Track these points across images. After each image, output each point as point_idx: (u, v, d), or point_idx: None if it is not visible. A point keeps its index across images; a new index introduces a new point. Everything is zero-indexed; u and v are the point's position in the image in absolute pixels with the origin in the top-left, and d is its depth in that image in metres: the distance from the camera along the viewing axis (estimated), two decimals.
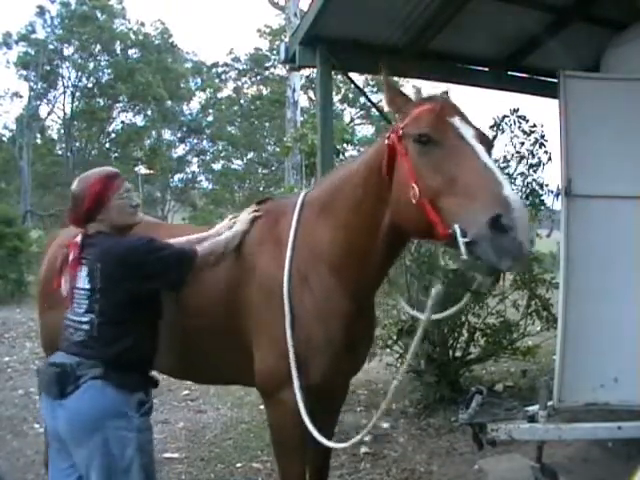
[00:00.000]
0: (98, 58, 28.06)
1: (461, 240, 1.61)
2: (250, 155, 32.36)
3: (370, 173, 2.06)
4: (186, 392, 5.42)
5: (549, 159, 4.82)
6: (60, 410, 1.94)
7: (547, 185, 4.89)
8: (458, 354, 4.93)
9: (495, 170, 1.71)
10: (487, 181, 1.67)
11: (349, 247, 2.14)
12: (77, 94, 28.16)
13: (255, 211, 2.42)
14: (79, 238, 2.08)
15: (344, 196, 2.17)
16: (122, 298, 1.98)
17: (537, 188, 4.89)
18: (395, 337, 4.80)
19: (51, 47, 26.78)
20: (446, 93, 2.13)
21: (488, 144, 1.85)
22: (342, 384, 2.55)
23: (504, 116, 4.84)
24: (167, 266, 2.02)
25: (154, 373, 2.21)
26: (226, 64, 31.23)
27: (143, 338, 2.05)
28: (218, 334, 2.36)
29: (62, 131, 28.67)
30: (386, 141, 1.96)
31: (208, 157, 33.35)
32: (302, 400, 2.08)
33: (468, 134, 1.81)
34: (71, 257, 2.05)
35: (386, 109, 2.11)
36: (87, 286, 2.00)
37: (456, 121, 1.84)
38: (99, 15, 26.88)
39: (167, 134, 32.18)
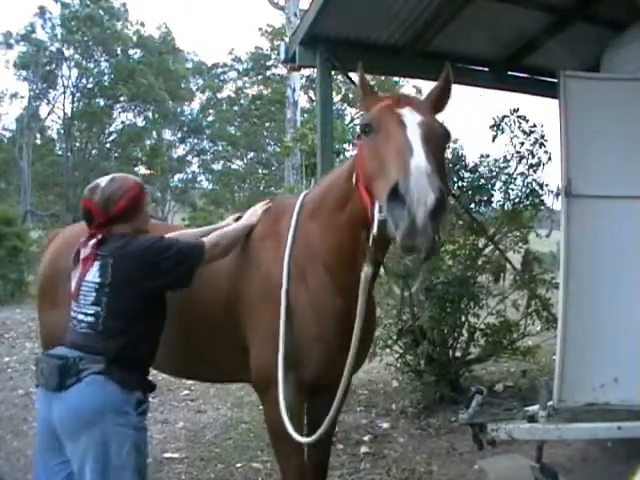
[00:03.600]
0: (99, 59, 28.04)
1: (376, 217, 1.60)
2: (250, 155, 32.37)
3: (350, 176, 2.09)
4: (186, 392, 5.41)
5: (549, 159, 4.83)
6: (57, 402, 1.94)
7: (547, 185, 4.90)
8: (458, 354, 4.94)
9: (413, 144, 1.65)
10: (397, 154, 1.65)
11: (338, 246, 2.18)
12: (77, 94, 28.14)
13: (266, 204, 2.52)
14: (100, 237, 2.10)
15: (331, 198, 2.23)
16: (130, 295, 2.01)
17: (537, 188, 4.90)
18: (395, 337, 4.81)
19: (52, 48, 26.77)
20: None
21: (433, 129, 1.79)
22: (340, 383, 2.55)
23: (504, 116, 4.84)
24: (177, 263, 2.06)
25: (151, 377, 2.21)
26: (226, 65, 31.28)
27: (145, 337, 2.08)
28: (218, 330, 2.37)
29: (62, 131, 28.64)
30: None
31: (208, 157, 33.38)
32: (284, 397, 2.09)
33: (408, 119, 1.78)
34: (87, 252, 2.09)
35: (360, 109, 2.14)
36: (97, 280, 2.03)
37: (402, 110, 1.82)
38: (101, 14, 26.83)
39: (167, 134, 32.22)
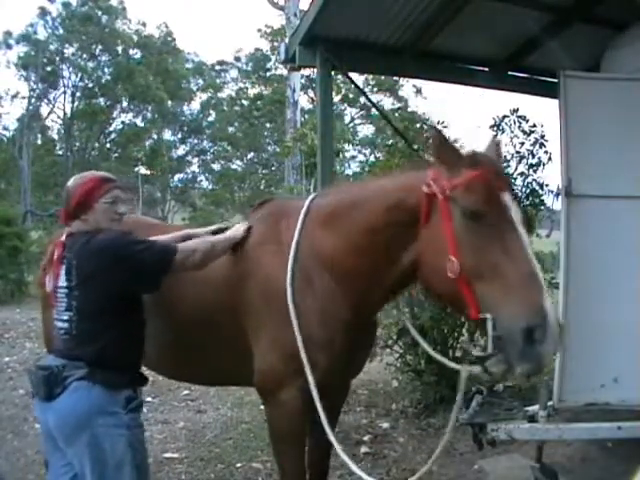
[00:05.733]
0: (99, 59, 28.03)
1: (490, 333, 1.67)
2: (250, 155, 32.32)
3: (396, 209, 2.00)
4: (186, 392, 5.41)
5: (549, 159, 4.83)
6: (50, 412, 1.96)
7: (547, 185, 4.90)
8: (458, 354, 4.93)
9: (536, 269, 1.71)
10: (529, 282, 1.69)
11: (356, 265, 2.11)
12: (77, 94, 28.13)
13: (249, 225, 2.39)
14: (64, 237, 2.09)
15: (357, 216, 2.11)
16: (97, 294, 1.97)
17: (537, 188, 4.90)
18: (395, 337, 4.81)
19: (52, 48, 26.75)
20: (496, 143, 2.13)
21: (525, 222, 1.84)
22: (340, 386, 2.55)
23: (504, 116, 4.84)
24: (142, 262, 1.99)
25: (151, 378, 2.21)
26: (226, 63, 31.25)
27: (123, 337, 2.03)
28: (216, 334, 2.35)
29: (62, 131, 28.63)
30: (425, 189, 1.88)
31: (208, 157, 33.35)
32: (315, 396, 2.09)
33: (517, 216, 1.79)
34: (55, 256, 2.06)
35: (432, 160, 1.99)
36: (65, 284, 2.00)
37: (507, 199, 1.80)
38: (100, 14, 26.81)
39: (167, 134, 32.20)
